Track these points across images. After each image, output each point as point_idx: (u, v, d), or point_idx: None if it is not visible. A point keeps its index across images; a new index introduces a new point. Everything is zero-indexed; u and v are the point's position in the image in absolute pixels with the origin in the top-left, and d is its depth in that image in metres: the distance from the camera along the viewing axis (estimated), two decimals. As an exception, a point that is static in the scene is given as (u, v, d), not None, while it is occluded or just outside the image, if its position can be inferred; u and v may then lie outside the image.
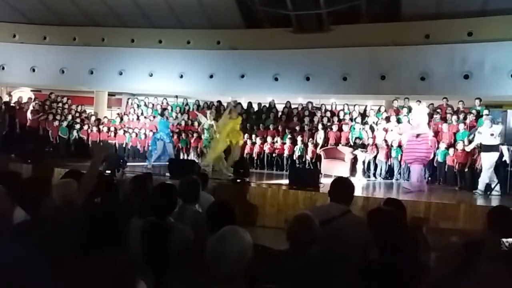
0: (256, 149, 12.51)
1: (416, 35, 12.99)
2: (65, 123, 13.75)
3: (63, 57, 15.65)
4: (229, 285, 1.90)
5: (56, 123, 13.45)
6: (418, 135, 8.65)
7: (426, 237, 3.67)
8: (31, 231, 2.43)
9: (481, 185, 8.70)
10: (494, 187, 8.60)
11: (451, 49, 12.58)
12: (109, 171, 7.99)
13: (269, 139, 12.49)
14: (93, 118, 14.81)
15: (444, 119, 11.38)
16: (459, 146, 10.04)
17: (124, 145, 13.88)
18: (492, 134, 8.58)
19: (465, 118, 11.01)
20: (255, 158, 12.56)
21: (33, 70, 15.77)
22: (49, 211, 2.64)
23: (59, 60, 15.61)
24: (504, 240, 2.38)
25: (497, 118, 11.11)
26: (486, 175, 8.61)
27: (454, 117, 11.13)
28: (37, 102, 13.99)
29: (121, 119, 14.90)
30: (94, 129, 13.92)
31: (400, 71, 12.92)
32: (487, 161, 8.62)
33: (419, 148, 8.64)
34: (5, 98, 14.79)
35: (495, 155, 8.57)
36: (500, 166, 8.99)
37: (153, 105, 15.55)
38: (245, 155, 12.42)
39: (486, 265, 2.28)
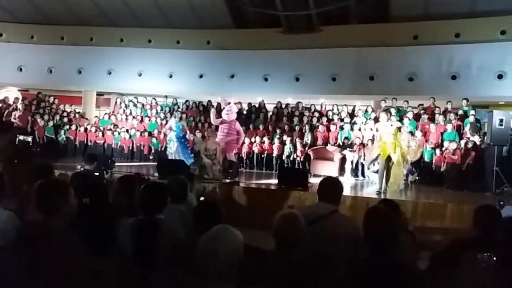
0: (245, 149, 12.51)
1: (405, 36, 13.06)
2: (51, 123, 13.62)
3: (51, 57, 15.46)
4: (220, 284, 1.90)
5: (42, 123, 13.31)
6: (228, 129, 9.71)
7: (414, 236, 3.71)
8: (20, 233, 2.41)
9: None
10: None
11: (439, 50, 12.68)
12: (97, 172, 7.89)
13: (258, 139, 12.50)
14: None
15: (431, 120, 11.50)
16: (447, 145, 10.14)
17: (113, 145, 13.71)
18: None
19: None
20: (244, 158, 12.57)
21: (20, 70, 15.56)
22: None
23: (46, 59, 15.43)
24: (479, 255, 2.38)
25: (484, 118, 11.23)
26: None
27: (441, 117, 11.25)
28: (23, 102, 13.84)
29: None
30: (82, 129, 13.80)
31: (388, 71, 13.00)
32: None
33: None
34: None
35: None
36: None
37: (142, 105, 15.47)
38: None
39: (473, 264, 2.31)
